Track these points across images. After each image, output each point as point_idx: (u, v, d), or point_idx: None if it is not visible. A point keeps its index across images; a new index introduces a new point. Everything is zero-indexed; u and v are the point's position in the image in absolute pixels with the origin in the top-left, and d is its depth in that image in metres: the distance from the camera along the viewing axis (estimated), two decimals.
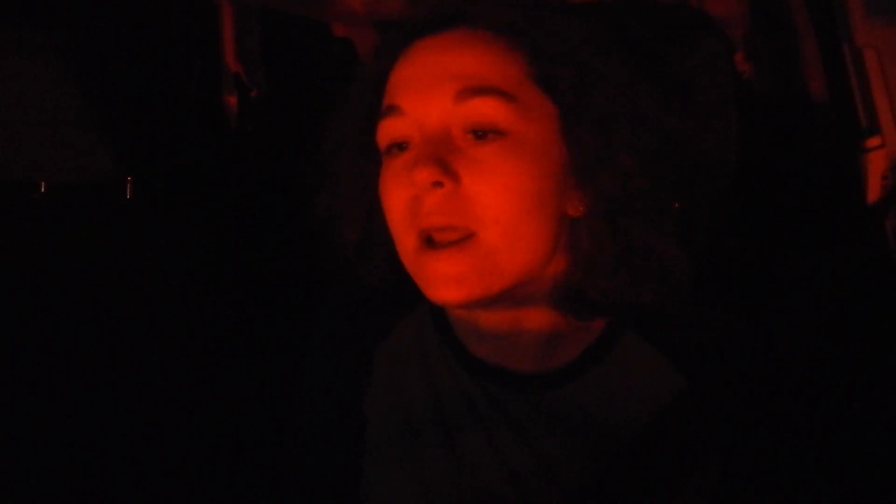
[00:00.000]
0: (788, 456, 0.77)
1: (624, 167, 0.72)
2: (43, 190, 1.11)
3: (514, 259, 0.71)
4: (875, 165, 1.19)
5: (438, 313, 0.83)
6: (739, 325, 0.80)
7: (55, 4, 1.35)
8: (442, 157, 0.69)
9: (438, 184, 0.69)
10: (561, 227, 0.74)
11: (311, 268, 0.94)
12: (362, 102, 0.81)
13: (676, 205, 0.75)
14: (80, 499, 1.05)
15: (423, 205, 0.70)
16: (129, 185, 1.18)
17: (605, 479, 0.75)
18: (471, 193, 0.69)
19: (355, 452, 0.83)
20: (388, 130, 0.74)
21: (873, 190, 1.19)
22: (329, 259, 0.84)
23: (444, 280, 0.70)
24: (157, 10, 1.74)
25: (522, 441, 0.77)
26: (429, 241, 0.71)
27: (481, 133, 0.70)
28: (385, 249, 0.81)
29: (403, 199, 0.72)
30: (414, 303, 0.85)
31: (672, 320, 0.77)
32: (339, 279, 0.89)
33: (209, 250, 1.22)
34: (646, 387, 0.77)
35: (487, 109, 0.70)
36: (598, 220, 0.73)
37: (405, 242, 0.73)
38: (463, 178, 0.69)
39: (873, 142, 1.19)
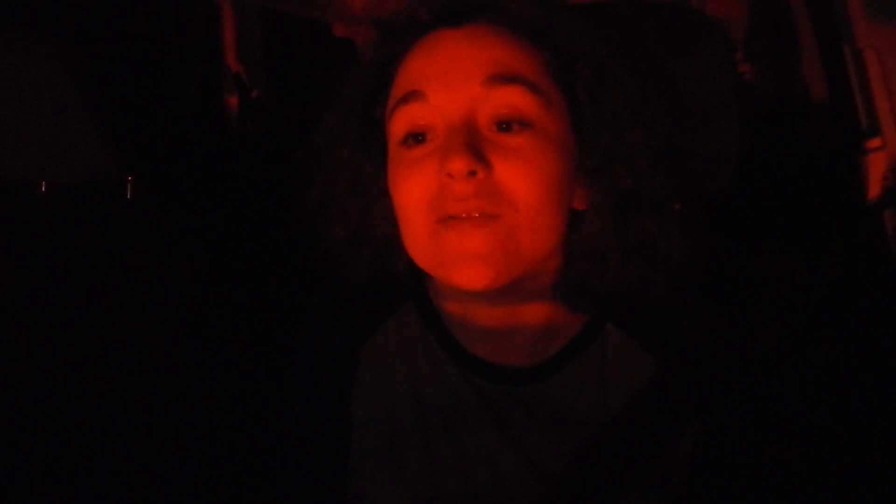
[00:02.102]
0: (768, 444, 0.78)
1: (634, 165, 0.73)
2: (43, 189, 1.10)
3: (534, 243, 0.72)
4: (875, 166, 1.19)
5: (429, 312, 0.83)
6: (713, 313, 0.81)
7: (55, 4, 1.35)
8: (475, 144, 0.69)
9: (473, 172, 0.68)
10: (567, 219, 0.75)
11: (310, 267, 0.94)
12: (362, 92, 0.81)
13: (678, 206, 0.76)
14: (74, 496, 1.05)
15: (451, 191, 0.70)
16: (129, 185, 1.17)
17: (581, 465, 0.76)
18: (502, 179, 0.69)
19: (343, 452, 0.83)
20: (407, 117, 0.73)
21: (874, 191, 1.19)
22: (317, 257, 0.84)
23: (469, 258, 0.70)
24: (157, 10, 1.74)
25: (507, 436, 0.78)
26: (449, 220, 0.71)
27: (506, 125, 0.70)
28: (373, 250, 0.81)
29: (424, 184, 0.71)
30: (399, 303, 0.85)
31: (649, 310, 0.78)
32: (326, 279, 0.89)
33: (209, 250, 1.22)
34: (624, 375, 0.78)
35: (516, 98, 0.70)
36: (606, 215, 0.74)
37: (421, 229, 0.73)
38: (495, 164, 0.69)
39: (874, 143, 1.19)
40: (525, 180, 0.70)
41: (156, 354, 1.11)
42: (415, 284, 0.83)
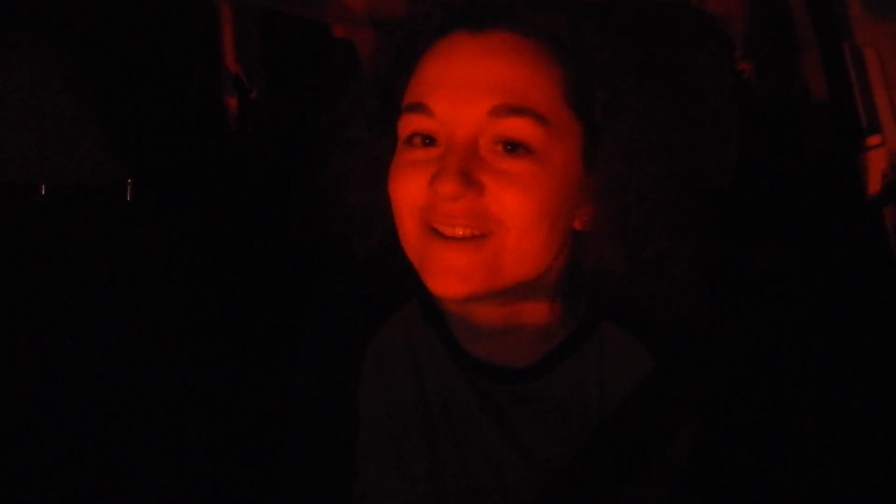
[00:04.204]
0: (765, 442, 0.78)
1: (646, 193, 0.72)
2: (43, 192, 1.10)
3: (519, 266, 0.71)
4: (875, 163, 1.19)
5: (431, 310, 0.83)
6: (712, 310, 0.81)
7: (55, 5, 1.35)
8: (467, 169, 0.69)
9: (461, 196, 0.69)
10: (565, 240, 0.75)
11: (311, 267, 0.94)
12: (384, 71, 0.80)
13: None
14: (78, 498, 1.05)
15: (439, 206, 0.70)
16: (129, 187, 1.17)
17: (580, 462, 0.76)
18: (492, 201, 0.69)
19: (349, 450, 0.83)
20: (413, 125, 0.73)
21: (873, 188, 1.19)
22: (321, 251, 0.84)
23: (449, 272, 0.71)
24: (158, 11, 1.75)
25: (507, 434, 0.78)
26: (435, 232, 0.71)
27: (510, 148, 0.70)
28: (385, 224, 0.81)
29: (416, 190, 0.72)
30: (403, 300, 0.85)
31: (647, 307, 0.78)
32: (329, 276, 0.89)
33: (210, 251, 1.22)
34: (622, 371, 0.78)
35: (521, 129, 0.70)
36: (612, 240, 0.73)
37: (409, 228, 0.74)
38: (487, 186, 0.69)
39: (873, 140, 1.19)
40: (516, 206, 0.69)
41: (158, 355, 1.11)
42: (418, 281, 0.83)
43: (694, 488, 0.77)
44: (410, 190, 0.72)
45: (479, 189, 0.69)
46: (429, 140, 0.72)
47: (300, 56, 2.06)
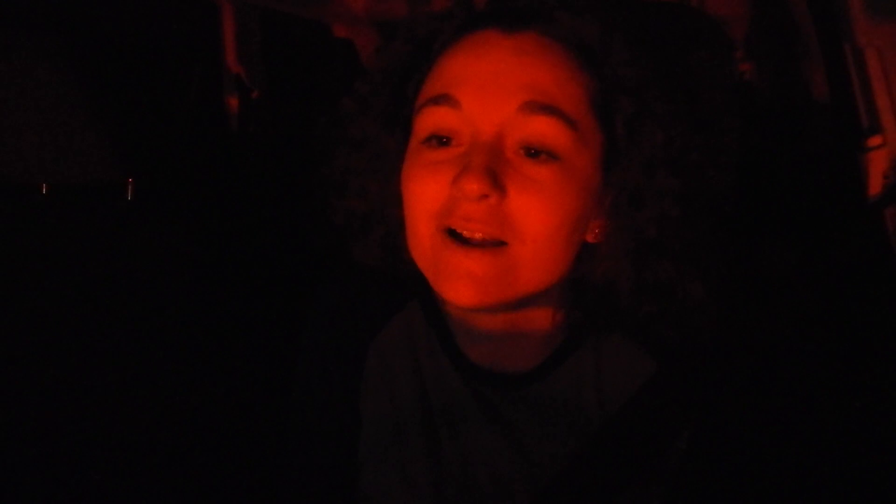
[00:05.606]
0: (762, 446, 0.78)
1: (663, 209, 0.71)
2: (44, 191, 1.10)
3: (534, 276, 0.70)
4: (876, 164, 1.19)
5: (433, 312, 0.83)
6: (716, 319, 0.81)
7: (55, 5, 1.35)
8: (494, 168, 0.67)
9: (485, 196, 0.67)
10: (577, 252, 0.74)
11: (313, 267, 0.94)
12: (398, 66, 0.79)
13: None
14: (78, 499, 1.05)
15: (459, 207, 0.69)
16: (130, 187, 1.17)
17: (577, 464, 0.76)
18: (515, 208, 0.68)
19: (352, 449, 0.83)
20: (435, 119, 0.71)
21: (874, 189, 1.19)
22: (323, 251, 0.84)
23: (464, 278, 0.69)
24: (158, 10, 1.74)
25: (506, 437, 0.78)
26: (452, 234, 0.70)
27: (535, 152, 0.69)
28: (385, 230, 0.80)
29: (434, 192, 0.70)
30: (405, 301, 0.84)
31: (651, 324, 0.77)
32: (330, 276, 0.89)
33: (210, 252, 1.22)
34: (620, 375, 0.78)
35: (549, 130, 0.68)
36: (622, 255, 0.73)
37: (424, 232, 0.72)
38: (510, 191, 0.68)
39: (874, 141, 1.19)
40: (538, 214, 0.68)
41: (159, 355, 1.11)
42: (421, 282, 0.82)
43: (692, 490, 0.77)
44: (429, 191, 0.70)
45: (503, 192, 0.68)
46: (446, 140, 0.71)
47: (301, 56, 2.06)
